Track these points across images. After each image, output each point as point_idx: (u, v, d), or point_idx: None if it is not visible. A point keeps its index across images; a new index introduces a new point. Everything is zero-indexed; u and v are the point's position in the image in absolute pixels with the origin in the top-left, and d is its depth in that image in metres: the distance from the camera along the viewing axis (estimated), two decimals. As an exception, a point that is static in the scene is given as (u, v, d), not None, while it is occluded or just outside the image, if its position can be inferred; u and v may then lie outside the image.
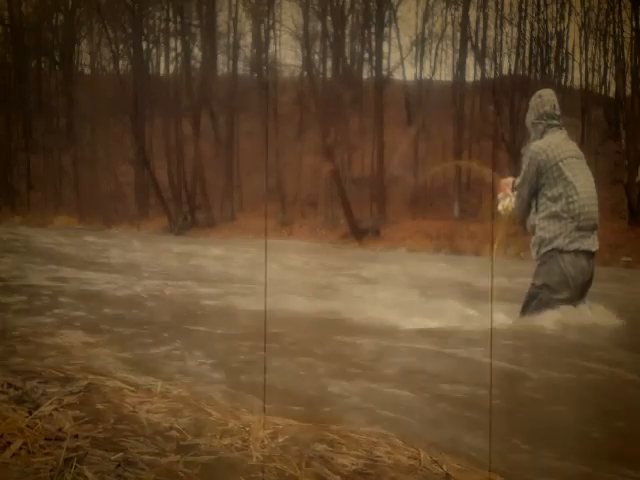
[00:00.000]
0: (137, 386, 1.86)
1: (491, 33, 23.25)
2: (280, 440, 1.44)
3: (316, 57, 24.79)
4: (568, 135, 3.76)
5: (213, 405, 1.74)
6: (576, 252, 3.49)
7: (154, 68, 29.44)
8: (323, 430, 1.53)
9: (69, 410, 1.52)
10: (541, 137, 3.67)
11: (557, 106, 3.70)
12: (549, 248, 3.54)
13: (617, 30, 19.32)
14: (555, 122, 3.67)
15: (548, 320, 3.41)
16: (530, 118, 3.76)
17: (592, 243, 3.54)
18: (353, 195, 20.13)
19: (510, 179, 4.07)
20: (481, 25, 22.90)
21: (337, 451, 1.39)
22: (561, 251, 3.50)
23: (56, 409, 1.52)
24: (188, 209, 22.44)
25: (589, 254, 3.53)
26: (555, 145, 3.58)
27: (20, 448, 1.27)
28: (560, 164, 3.52)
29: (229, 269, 8.13)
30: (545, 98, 3.69)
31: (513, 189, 3.92)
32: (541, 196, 3.59)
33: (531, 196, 3.64)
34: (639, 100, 16.72)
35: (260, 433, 1.45)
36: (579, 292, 3.54)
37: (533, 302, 3.58)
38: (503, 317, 3.67)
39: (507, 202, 3.85)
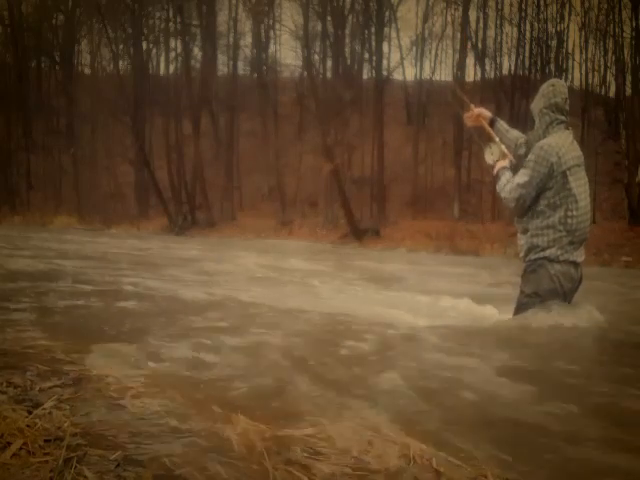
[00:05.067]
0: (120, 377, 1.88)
1: (491, 33, 23.34)
2: (263, 443, 1.44)
3: (316, 57, 24.80)
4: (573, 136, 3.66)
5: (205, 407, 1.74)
6: (566, 261, 3.50)
7: (154, 68, 29.48)
8: (302, 433, 1.51)
9: (67, 405, 1.52)
10: (546, 130, 3.54)
11: (568, 101, 3.56)
12: (540, 256, 3.51)
13: (617, 30, 19.36)
14: (563, 118, 3.55)
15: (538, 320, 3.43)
16: (538, 105, 3.58)
17: (580, 254, 3.56)
18: (353, 195, 20.12)
19: (484, 110, 3.98)
20: (481, 25, 22.99)
21: (317, 455, 1.38)
22: (551, 260, 3.49)
23: (55, 406, 1.52)
24: (188, 209, 22.44)
25: (576, 263, 3.55)
26: (565, 150, 3.46)
27: (20, 448, 1.27)
28: (567, 172, 3.43)
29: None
30: (557, 89, 3.55)
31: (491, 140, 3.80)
32: (541, 199, 3.50)
33: (533, 198, 3.54)
34: (639, 100, 16.71)
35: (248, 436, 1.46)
36: (568, 298, 3.56)
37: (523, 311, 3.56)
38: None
39: (495, 150, 3.72)
